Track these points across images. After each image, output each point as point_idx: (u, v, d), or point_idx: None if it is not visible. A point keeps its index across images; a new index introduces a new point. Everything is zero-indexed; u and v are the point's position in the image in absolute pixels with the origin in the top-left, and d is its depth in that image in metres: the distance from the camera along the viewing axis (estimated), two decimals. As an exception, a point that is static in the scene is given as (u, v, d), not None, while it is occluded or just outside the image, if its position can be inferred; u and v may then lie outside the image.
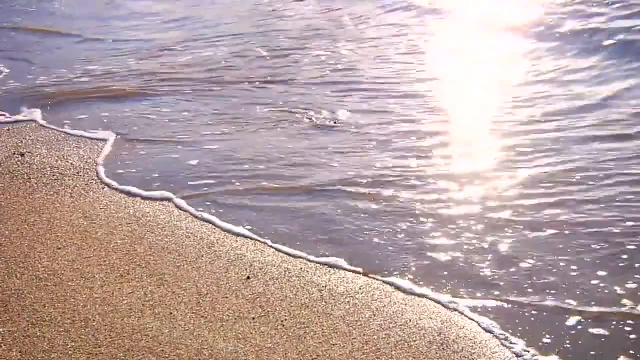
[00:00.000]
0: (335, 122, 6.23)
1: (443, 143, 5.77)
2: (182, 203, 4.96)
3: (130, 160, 5.76)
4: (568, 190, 4.82)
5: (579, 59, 7.51)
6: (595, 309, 3.63)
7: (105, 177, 5.39)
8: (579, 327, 3.52)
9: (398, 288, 3.89)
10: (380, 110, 6.57)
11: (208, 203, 4.96)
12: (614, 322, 3.52)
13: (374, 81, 7.41)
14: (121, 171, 5.53)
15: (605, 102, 6.30)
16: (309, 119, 6.33)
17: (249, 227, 4.59)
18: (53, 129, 6.48)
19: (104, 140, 6.18)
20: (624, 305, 3.63)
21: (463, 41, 8.63)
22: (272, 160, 5.61)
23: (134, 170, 5.56)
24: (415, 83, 7.26)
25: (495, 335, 3.48)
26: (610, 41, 7.72)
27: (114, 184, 5.29)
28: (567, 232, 4.34)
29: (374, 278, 3.99)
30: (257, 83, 7.58)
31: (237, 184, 5.25)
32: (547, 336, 3.46)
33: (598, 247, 4.15)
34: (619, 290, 3.75)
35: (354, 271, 4.07)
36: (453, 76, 7.52)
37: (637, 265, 3.96)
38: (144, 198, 5.07)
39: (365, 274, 4.03)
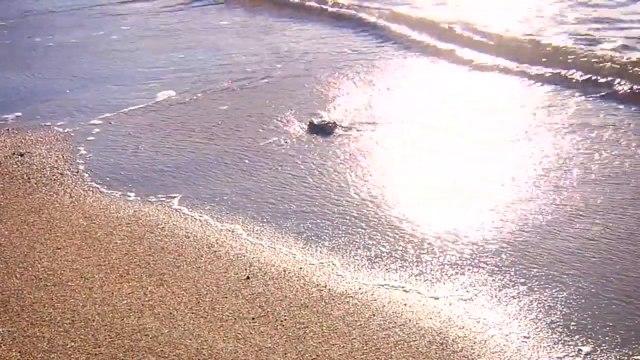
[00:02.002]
0: (334, 124, 6.21)
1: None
2: (182, 203, 4.96)
3: (124, 160, 5.76)
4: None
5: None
6: (595, 306, 3.64)
7: (104, 177, 5.41)
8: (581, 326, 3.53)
9: (394, 287, 3.91)
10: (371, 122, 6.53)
11: (206, 203, 4.96)
12: (614, 321, 3.53)
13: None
14: (118, 171, 5.54)
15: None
16: (309, 123, 6.30)
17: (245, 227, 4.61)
18: (51, 127, 6.50)
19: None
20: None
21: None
22: (269, 165, 5.63)
23: (129, 171, 5.56)
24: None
25: (495, 335, 3.48)
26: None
27: (113, 184, 5.30)
28: (558, 231, 4.36)
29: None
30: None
31: (237, 184, 5.26)
32: (548, 336, 3.46)
33: (592, 243, 4.19)
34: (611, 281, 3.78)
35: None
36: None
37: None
38: (143, 199, 5.07)
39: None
